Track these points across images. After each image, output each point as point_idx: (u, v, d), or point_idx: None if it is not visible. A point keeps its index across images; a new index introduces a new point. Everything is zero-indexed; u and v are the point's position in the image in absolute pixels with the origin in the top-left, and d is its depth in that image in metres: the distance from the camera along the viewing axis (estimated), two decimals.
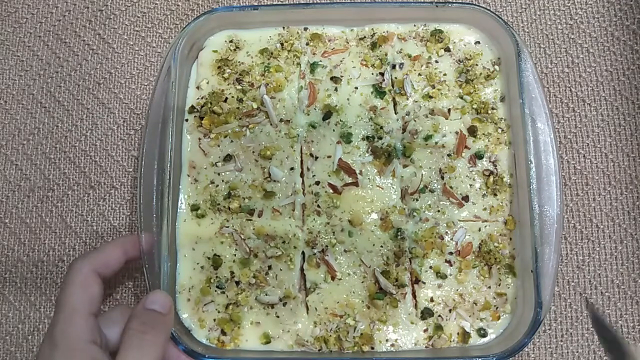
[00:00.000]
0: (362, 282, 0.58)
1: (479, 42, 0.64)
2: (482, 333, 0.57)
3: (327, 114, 0.61)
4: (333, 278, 0.58)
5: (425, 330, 0.57)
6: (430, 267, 0.58)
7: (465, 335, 0.57)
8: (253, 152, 0.61)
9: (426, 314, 0.57)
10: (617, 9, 0.68)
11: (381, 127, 0.61)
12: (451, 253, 0.59)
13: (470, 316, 0.57)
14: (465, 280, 0.58)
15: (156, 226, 0.56)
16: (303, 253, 0.59)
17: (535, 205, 0.55)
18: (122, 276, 0.64)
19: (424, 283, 0.58)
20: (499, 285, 0.58)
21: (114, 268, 0.54)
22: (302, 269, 0.59)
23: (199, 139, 0.62)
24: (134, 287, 0.63)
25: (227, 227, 0.59)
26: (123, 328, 0.49)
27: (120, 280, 0.64)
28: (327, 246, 0.58)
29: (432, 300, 0.58)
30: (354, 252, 0.58)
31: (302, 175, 0.61)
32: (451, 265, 0.58)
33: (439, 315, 0.57)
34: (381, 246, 0.58)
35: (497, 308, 0.58)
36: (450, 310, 0.58)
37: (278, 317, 0.58)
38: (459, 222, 0.59)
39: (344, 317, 0.57)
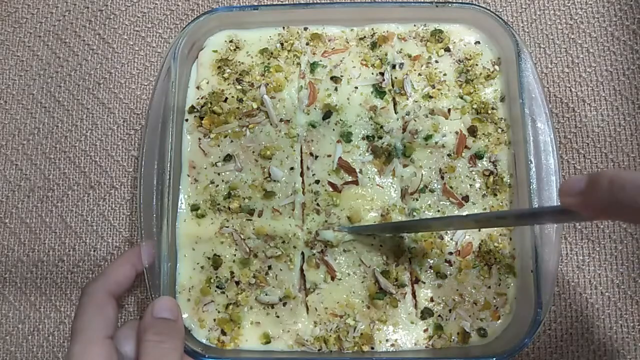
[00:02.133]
0: (362, 282, 0.58)
1: (479, 42, 0.64)
2: (482, 333, 0.57)
3: (327, 113, 0.61)
4: (333, 278, 0.58)
5: (425, 330, 0.57)
6: (430, 267, 0.58)
7: (465, 335, 0.57)
8: (253, 152, 0.61)
9: (426, 313, 0.57)
10: (617, 9, 0.68)
11: (381, 127, 0.61)
12: (451, 253, 0.58)
13: (470, 316, 0.57)
14: (465, 280, 0.58)
15: (156, 226, 0.56)
16: (303, 253, 0.59)
17: (535, 205, 0.55)
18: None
19: (424, 283, 0.58)
20: (499, 285, 0.58)
21: (126, 285, 0.54)
22: (302, 269, 0.59)
23: (199, 139, 0.62)
24: (134, 287, 0.63)
25: (227, 227, 0.59)
26: (137, 341, 0.49)
27: None
28: (326, 246, 0.58)
29: (432, 300, 0.58)
30: (354, 251, 0.58)
31: (302, 174, 0.61)
32: (451, 265, 0.58)
33: (439, 315, 0.57)
34: (381, 246, 0.58)
35: (497, 308, 0.57)
36: (450, 310, 0.58)
37: (278, 317, 0.58)
38: None
39: (344, 317, 0.57)
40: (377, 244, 0.58)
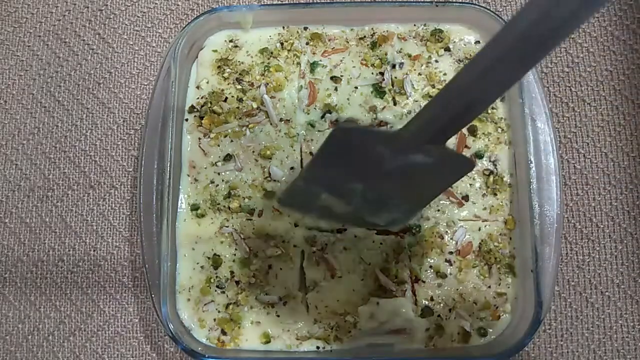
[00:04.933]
0: (362, 279, 0.58)
1: (479, 42, 0.64)
2: (482, 332, 0.57)
3: (327, 113, 0.61)
4: (333, 276, 0.58)
5: (426, 330, 0.57)
6: (430, 267, 0.58)
7: (465, 335, 0.57)
8: (253, 151, 0.61)
9: (426, 313, 0.57)
10: (617, 8, 0.68)
11: (380, 126, 0.61)
12: (451, 252, 0.58)
13: (470, 315, 0.57)
14: (465, 280, 0.58)
15: (156, 226, 0.56)
16: (302, 251, 0.59)
17: (535, 205, 0.55)
18: (122, 275, 0.64)
19: (424, 282, 0.58)
20: (499, 284, 0.58)
21: None
22: (301, 267, 0.59)
23: (199, 138, 0.62)
24: (134, 287, 0.63)
25: (227, 226, 0.59)
26: None
27: (120, 279, 0.64)
28: (326, 244, 0.58)
29: (432, 299, 0.58)
30: (354, 249, 0.58)
31: None
32: (451, 265, 0.58)
33: (439, 315, 0.57)
34: (381, 243, 0.58)
35: (497, 308, 0.57)
36: (450, 310, 0.57)
37: (278, 316, 0.58)
38: (459, 221, 0.59)
39: (344, 315, 0.57)
40: (377, 241, 0.58)
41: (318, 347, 0.57)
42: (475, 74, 0.38)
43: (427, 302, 0.58)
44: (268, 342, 0.57)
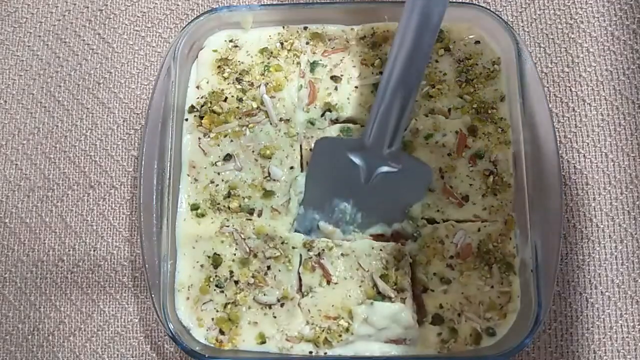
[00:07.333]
0: (360, 285, 0.57)
1: (479, 42, 0.63)
2: (490, 332, 0.56)
3: (327, 111, 0.61)
4: (328, 282, 0.58)
5: (438, 334, 0.57)
6: (434, 274, 0.58)
7: (477, 337, 0.56)
8: (253, 151, 0.61)
9: (437, 320, 0.57)
10: (617, 8, 0.68)
11: None
12: (452, 257, 0.58)
13: (479, 317, 0.57)
14: (468, 283, 0.57)
15: (156, 226, 0.56)
16: (301, 255, 0.59)
17: (535, 206, 0.55)
18: (122, 275, 0.64)
19: (432, 291, 0.58)
20: (502, 283, 0.58)
21: None
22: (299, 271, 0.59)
23: (199, 138, 0.62)
24: (134, 286, 0.63)
25: (228, 226, 0.59)
26: None
27: (120, 279, 0.64)
28: (323, 249, 0.58)
29: (441, 306, 0.57)
30: (352, 255, 0.58)
31: (302, 171, 0.60)
32: (453, 269, 0.58)
33: (450, 319, 0.57)
34: (380, 250, 0.58)
35: (502, 307, 0.57)
36: (459, 314, 0.57)
37: (275, 317, 0.58)
38: (459, 222, 0.59)
39: (337, 319, 0.57)
40: (377, 247, 0.58)
41: (311, 352, 0.56)
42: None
43: (436, 310, 0.57)
44: (263, 342, 0.57)
